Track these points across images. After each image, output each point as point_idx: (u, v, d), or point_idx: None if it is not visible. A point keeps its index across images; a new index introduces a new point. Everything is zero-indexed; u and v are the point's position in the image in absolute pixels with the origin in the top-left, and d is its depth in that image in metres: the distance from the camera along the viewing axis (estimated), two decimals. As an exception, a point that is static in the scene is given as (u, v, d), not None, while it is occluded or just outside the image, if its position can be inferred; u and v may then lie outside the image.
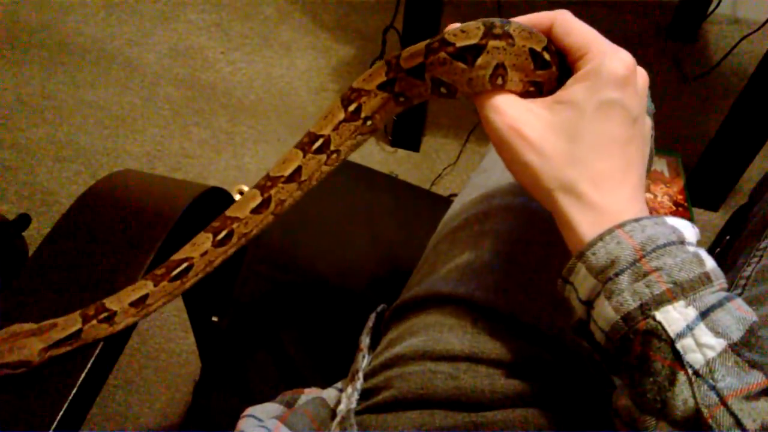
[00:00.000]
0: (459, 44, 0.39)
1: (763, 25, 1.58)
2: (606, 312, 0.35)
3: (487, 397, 0.46)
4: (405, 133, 1.49)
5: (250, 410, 0.53)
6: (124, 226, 0.58)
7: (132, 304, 0.44)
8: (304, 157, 0.45)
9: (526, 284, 0.51)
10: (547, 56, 0.40)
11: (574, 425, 0.44)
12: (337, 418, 0.50)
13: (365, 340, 0.56)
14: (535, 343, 0.48)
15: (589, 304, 0.37)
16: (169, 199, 0.60)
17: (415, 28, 1.28)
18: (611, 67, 0.38)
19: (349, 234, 0.72)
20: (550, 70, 0.41)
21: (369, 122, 0.45)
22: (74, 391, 0.46)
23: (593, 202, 0.38)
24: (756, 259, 0.63)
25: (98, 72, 1.61)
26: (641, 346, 0.34)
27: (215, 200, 0.66)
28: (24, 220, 1.09)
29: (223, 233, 0.45)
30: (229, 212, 0.46)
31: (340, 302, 0.67)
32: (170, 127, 1.50)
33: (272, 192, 0.45)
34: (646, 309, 0.34)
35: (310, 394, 0.57)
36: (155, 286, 0.44)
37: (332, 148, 0.45)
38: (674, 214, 1.36)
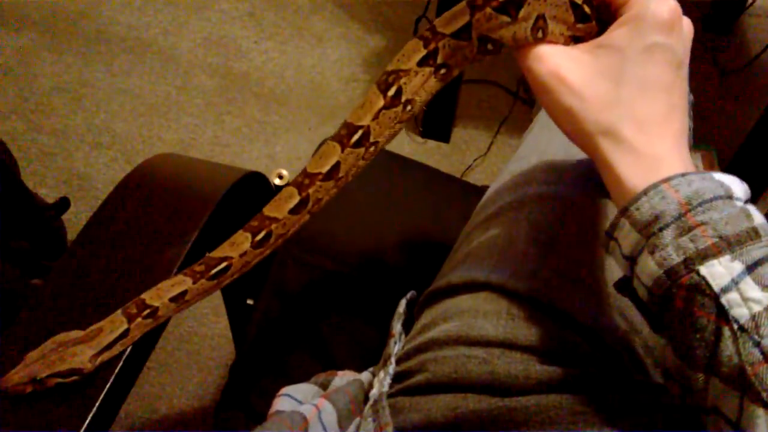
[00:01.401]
0: None
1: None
2: (649, 267, 0.35)
3: (520, 383, 0.46)
4: (435, 124, 1.49)
5: (285, 390, 0.55)
6: (166, 209, 0.59)
7: (172, 300, 0.45)
8: (342, 151, 0.43)
9: (561, 272, 0.51)
10: (587, 9, 0.40)
11: (607, 411, 0.44)
12: (370, 402, 0.51)
13: (397, 326, 0.57)
14: (569, 331, 0.48)
15: (632, 259, 0.37)
16: (210, 183, 0.61)
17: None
18: (657, 11, 0.38)
19: (382, 220, 0.73)
20: (590, 24, 0.41)
21: (409, 107, 0.44)
22: (113, 377, 0.46)
23: (636, 147, 0.37)
24: None
25: (134, 60, 1.64)
26: (684, 302, 0.34)
27: (254, 185, 0.67)
28: (64, 203, 1.12)
29: (262, 234, 0.44)
30: (267, 211, 0.45)
31: (372, 287, 0.68)
32: (204, 116, 1.52)
33: (310, 191, 0.44)
34: (689, 263, 0.33)
35: (344, 377, 0.58)
36: (194, 283, 0.45)
37: (371, 139, 0.44)
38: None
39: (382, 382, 0.53)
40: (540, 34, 0.40)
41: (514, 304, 0.50)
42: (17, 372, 0.41)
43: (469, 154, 1.47)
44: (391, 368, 0.53)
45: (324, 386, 0.57)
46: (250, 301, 0.72)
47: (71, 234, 1.22)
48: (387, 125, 0.44)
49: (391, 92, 0.42)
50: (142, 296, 0.44)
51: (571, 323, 0.48)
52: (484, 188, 0.81)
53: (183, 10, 1.77)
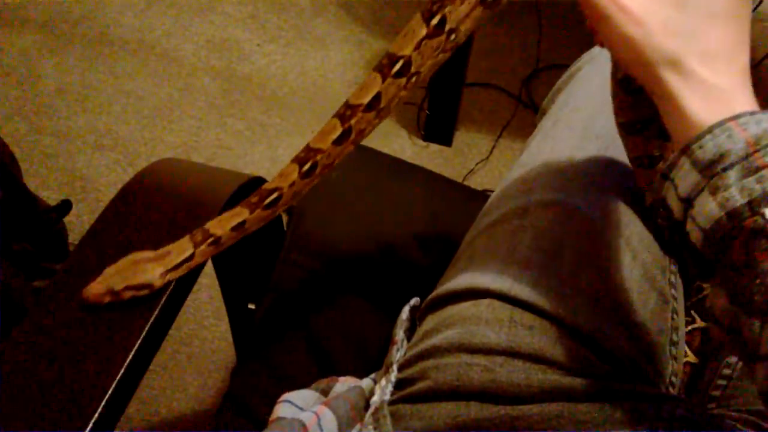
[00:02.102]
0: None
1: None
2: (709, 208, 0.33)
3: (523, 391, 0.46)
4: (437, 128, 1.49)
5: (286, 396, 0.55)
6: (168, 216, 0.59)
7: (233, 229, 0.48)
8: (383, 82, 0.43)
9: (565, 281, 0.51)
10: None
11: (610, 421, 0.44)
12: (371, 409, 0.51)
13: (399, 333, 0.57)
14: (572, 340, 0.48)
15: (688, 201, 0.35)
16: (212, 189, 0.61)
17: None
18: None
19: (383, 225, 0.73)
20: None
21: (453, 36, 0.42)
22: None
23: (701, 79, 0.36)
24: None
25: (137, 63, 1.64)
26: (745, 246, 0.32)
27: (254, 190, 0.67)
28: (65, 206, 1.12)
29: (308, 165, 0.46)
30: (312, 143, 0.46)
31: (374, 292, 0.68)
32: (206, 118, 1.52)
33: (352, 122, 0.45)
34: (755, 206, 0.32)
35: (345, 383, 0.58)
36: (251, 213, 0.47)
37: (413, 69, 0.43)
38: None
39: (383, 389, 0.52)
40: None
41: (516, 312, 0.50)
42: (97, 283, 0.45)
43: (471, 158, 1.47)
44: (393, 375, 0.53)
45: (325, 393, 0.56)
46: (251, 306, 0.72)
47: (73, 236, 1.22)
48: (429, 55, 0.43)
49: (435, 21, 0.42)
50: (206, 226, 0.48)
51: (573, 332, 0.48)
52: (486, 193, 0.81)
53: (186, 12, 1.77)
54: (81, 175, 1.41)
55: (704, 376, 0.64)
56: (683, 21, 0.36)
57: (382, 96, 0.44)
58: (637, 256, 0.53)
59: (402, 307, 0.59)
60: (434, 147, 1.50)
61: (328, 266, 0.68)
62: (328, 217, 0.72)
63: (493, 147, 1.48)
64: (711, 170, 0.33)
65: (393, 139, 1.51)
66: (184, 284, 0.52)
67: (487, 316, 0.50)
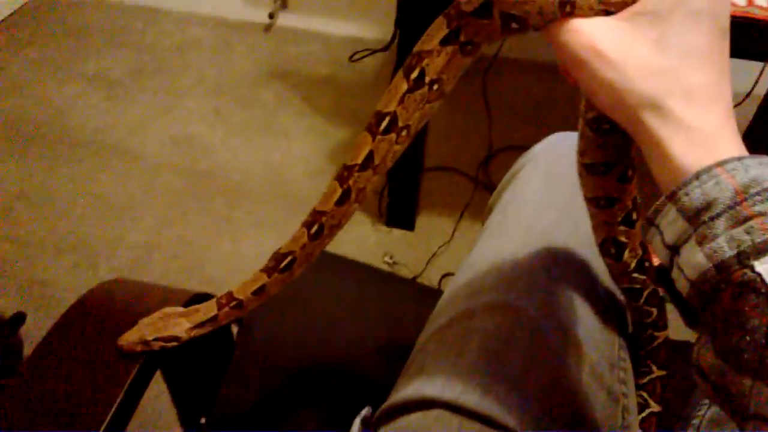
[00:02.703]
0: None
1: (748, 95, 1.62)
2: (696, 259, 0.32)
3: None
4: (399, 213, 1.51)
5: None
6: (111, 339, 0.59)
7: (254, 293, 0.51)
8: (373, 140, 0.44)
9: (512, 386, 0.50)
10: None
11: None
12: None
13: None
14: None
15: (675, 249, 0.34)
16: (155, 308, 0.60)
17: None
18: None
19: (336, 332, 0.72)
20: None
21: (435, 86, 0.43)
22: None
23: (685, 122, 0.34)
24: (705, 407, 0.63)
25: (99, 163, 1.65)
26: (733, 300, 0.31)
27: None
28: (18, 319, 1.09)
29: (315, 227, 0.48)
30: (317, 206, 0.48)
31: (327, 400, 0.66)
32: (169, 216, 1.52)
33: (350, 183, 0.46)
34: (743, 258, 0.30)
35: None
36: (269, 277, 0.50)
37: (401, 124, 0.44)
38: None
39: None
40: (568, 8, 0.37)
41: (465, 422, 0.49)
42: (132, 333, 0.50)
43: (434, 241, 1.48)
44: None
45: None
46: (203, 420, 0.69)
47: (30, 347, 1.19)
48: (415, 108, 0.44)
49: (414, 75, 0.42)
50: (232, 290, 0.52)
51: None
52: (441, 290, 0.81)
53: (149, 110, 1.80)
54: (40, 280, 1.38)
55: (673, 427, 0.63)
56: (662, 61, 0.35)
57: (375, 154, 0.45)
58: (585, 356, 0.53)
59: (355, 414, 0.58)
60: (397, 232, 1.51)
61: (280, 379, 0.66)
62: (279, 327, 0.71)
63: (455, 230, 1.50)
64: (698, 219, 0.32)
65: (356, 227, 1.52)
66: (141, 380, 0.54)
67: (437, 428, 0.49)
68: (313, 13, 2.08)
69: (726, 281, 0.31)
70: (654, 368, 0.62)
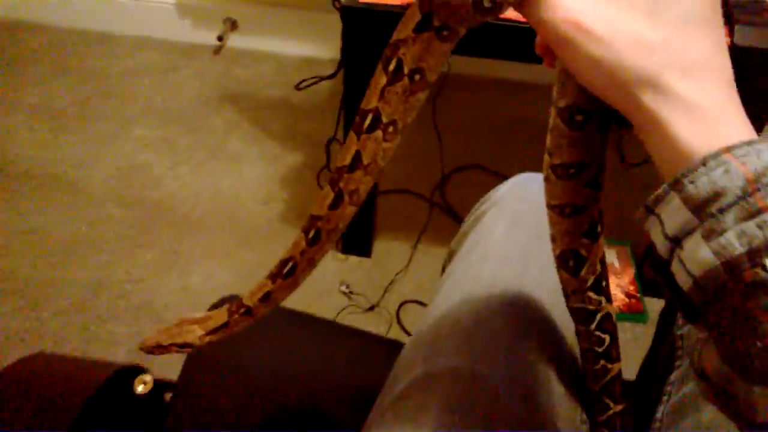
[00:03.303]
0: None
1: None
2: (701, 255, 0.29)
3: None
4: (355, 239, 1.48)
5: None
6: (30, 417, 0.56)
7: (260, 300, 0.50)
8: (358, 139, 0.42)
9: None
10: None
11: None
12: None
13: None
14: None
15: (677, 241, 0.31)
16: (75, 390, 0.57)
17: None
18: None
19: (288, 392, 0.69)
20: None
21: (417, 76, 0.40)
22: None
23: (685, 97, 0.31)
24: (666, 398, 0.61)
25: (42, 197, 1.59)
26: (743, 301, 0.28)
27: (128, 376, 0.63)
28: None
29: (312, 232, 0.46)
30: (313, 211, 0.46)
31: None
32: (115, 251, 1.47)
33: (341, 185, 0.44)
34: (755, 256, 0.28)
35: None
36: (273, 284, 0.49)
37: (385, 120, 0.42)
38: (626, 306, 1.35)
39: None
40: None
41: None
42: (152, 337, 0.52)
43: (392, 268, 1.46)
44: None
45: None
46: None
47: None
48: (398, 101, 0.41)
49: (392, 66, 0.40)
50: (243, 297, 0.51)
51: None
52: (399, 344, 0.78)
53: (94, 141, 1.75)
54: (-22, 326, 1.32)
55: None
56: (655, 33, 0.32)
57: (362, 154, 0.43)
58: (549, 422, 0.51)
59: None
60: (353, 259, 1.48)
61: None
62: (218, 391, 0.68)
63: (412, 255, 1.48)
64: (705, 210, 0.29)
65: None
66: None
67: None
68: (263, 34, 2.05)
69: (735, 281, 0.28)
70: (611, 404, 0.60)
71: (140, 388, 0.60)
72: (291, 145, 1.76)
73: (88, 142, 1.74)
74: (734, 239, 0.28)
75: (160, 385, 0.68)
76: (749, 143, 0.29)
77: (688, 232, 0.30)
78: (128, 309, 1.36)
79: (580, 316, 0.54)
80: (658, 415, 0.60)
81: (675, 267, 0.32)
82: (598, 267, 0.51)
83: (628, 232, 1.50)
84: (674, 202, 0.31)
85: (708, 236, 0.29)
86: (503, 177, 1.67)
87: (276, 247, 1.49)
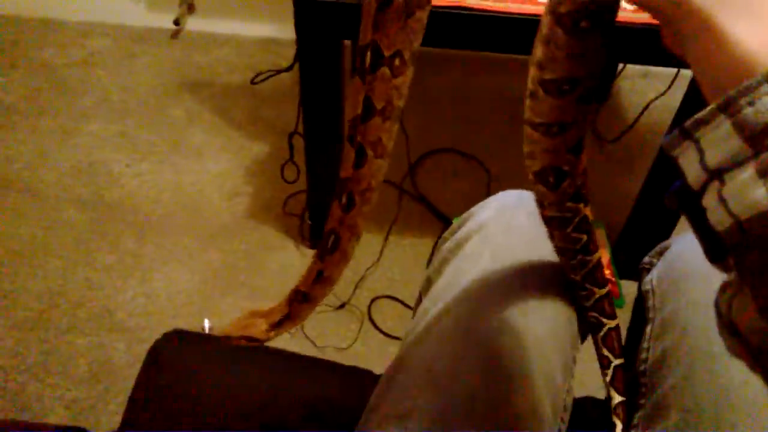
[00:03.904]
0: None
1: (674, 81, 1.58)
2: (754, 195, 0.24)
3: None
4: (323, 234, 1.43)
5: None
6: None
7: (314, 282, 0.48)
8: (364, 82, 0.38)
9: None
10: None
11: None
12: None
13: None
14: None
15: (718, 174, 0.26)
16: None
17: (316, 134, 1.23)
18: None
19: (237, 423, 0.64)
20: None
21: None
22: None
23: None
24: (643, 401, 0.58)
25: (-6, 202, 1.51)
26: None
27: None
28: None
29: (344, 197, 0.43)
30: (341, 173, 0.43)
31: None
32: (73, 257, 1.41)
33: (358, 138, 0.40)
34: None
35: None
36: (322, 261, 0.48)
37: (387, 53, 0.37)
38: (605, 293, 1.31)
39: None
40: None
41: None
42: (226, 328, 0.51)
43: (362, 262, 1.41)
44: None
45: None
46: None
47: None
48: (396, 28, 0.36)
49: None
50: (298, 285, 0.49)
51: None
52: (372, 375, 0.73)
53: (49, 138, 1.66)
54: (-71, 345, 1.26)
55: None
56: None
57: (373, 97, 0.39)
58: None
59: None
60: (322, 254, 1.43)
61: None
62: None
63: (383, 247, 1.43)
64: (763, 141, 0.24)
65: (278, 252, 1.43)
66: None
67: None
68: (222, 16, 1.95)
69: None
70: (595, 289, 0.57)
71: None
72: (254, 134, 1.69)
73: (40, 141, 1.66)
74: None
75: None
76: None
77: (737, 165, 0.25)
78: (88, 318, 1.31)
79: (556, 224, 0.51)
80: (635, 420, 0.57)
81: (709, 202, 0.27)
82: (580, 179, 0.47)
83: (604, 213, 1.46)
84: (723, 127, 0.25)
85: (765, 172, 0.24)
86: (473, 158, 1.62)
87: (242, 244, 1.44)
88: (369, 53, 0.37)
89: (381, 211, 1.49)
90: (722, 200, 0.26)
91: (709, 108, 0.26)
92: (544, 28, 0.38)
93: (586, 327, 0.61)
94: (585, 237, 0.52)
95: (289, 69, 1.22)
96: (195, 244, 1.44)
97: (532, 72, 0.40)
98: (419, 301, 0.67)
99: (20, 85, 1.79)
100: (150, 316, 1.30)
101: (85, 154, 1.63)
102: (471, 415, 0.50)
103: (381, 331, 1.30)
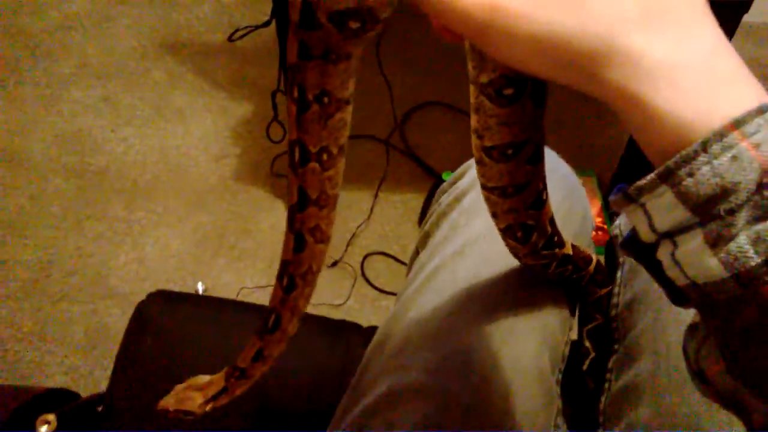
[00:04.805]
0: None
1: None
2: (705, 263, 0.24)
3: None
4: (313, 193, 1.42)
5: None
6: None
7: (253, 360, 0.47)
8: (296, 176, 0.39)
9: None
10: None
11: None
12: None
13: None
14: None
15: (669, 235, 0.25)
16: None
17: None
18: None
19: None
20: None
21: (325, 99, 0.35)
22: None
23: (656, 57, 0.24)
24: (607, 385, 0.59)
25: (-21, 174, 1.50)
26: (761, 316, 0.23)
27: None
28: None
29: (286, 279, 0.43)
30: (282, 256, 0.44)
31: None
32: (63, 226, 1.40)
33: (297, 225, 0.41)
34: None
35: None
36: (260, 340, 0.47)
37: (313, 150, 0.37)
38: (594, 239, 1.32)
39: None
40: None
41: None
42: (165, 400, 0.50)
43: (353, 220, 1.41)
44: None
45: None
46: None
47: None
48: (318, 128, 0.37)
49: (296, 93, 0.35)
50: (237, 361, 0.49)
51: None
52: (360, 328, 0.74)
53: (30, 106, 1.63)
54: (-76, 319, 1.26)
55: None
56: None
57: (306, 189, 0.39)
58: None
59: None
60: (312, 213, 1.43)
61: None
62: (147, 399, 0.64)
63: (373, 204, 1.42)
64: (708, 210, 0.23)
65: (269, 212, 1.43)
66: None
67: None
68: (200, -28, 1.90)
69: (750, 295, 0.23)
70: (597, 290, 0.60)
71: (43, 429, 0.56)
72: (238, 95, 1.66)
73: (22, 109, 1.63)
74: (749, 246, 0.23)
75: (88, 403, 0.64)
76: (760, 112, 0.23)
77: (686, 230, 0.25)
78: (82, 286, 1.31)
79: (539, 268, 0.52)
80: (601, 406, 0.57)
81: (665, 259, 0.26)
82: (548, 228, 0.47)
83: (594, 161, 1.45)
84: (666, 196, 0.24)
85: (714, 243, 0.23)
86: (461, 111, 1.60)
87: (231, 206, 1.43)
88: (297, 149, 0.37)
89: (370, 168, 1.48)
90: (676, 262, 0.25)
91: (649, 177, 0.25)
92: (472, 97, 0.38)
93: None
94: (571, 267, 0.53)
95: (266, 24, 1.19)
96: (184, 208, 1.43)
97: (474, 140, 0.41)
98: (415, 255, 0.67)
99: (-3, 53, 1.75)
100: (143, 281, 1.30)
101: (68, 122, 1.60)
102: (468, 368, 0.51)
103: (374, 287, 1.31)
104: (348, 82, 0.35)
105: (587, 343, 0.64)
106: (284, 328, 0.47)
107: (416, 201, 1.43)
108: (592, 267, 0.57)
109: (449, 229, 0.62)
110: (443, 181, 0.72)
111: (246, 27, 1.69)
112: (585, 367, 0.63)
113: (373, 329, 0.72)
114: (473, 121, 0.40)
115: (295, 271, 0.43)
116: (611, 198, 0.28)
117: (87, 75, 1.71)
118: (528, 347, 0.53)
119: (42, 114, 1.62)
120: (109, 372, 1.19)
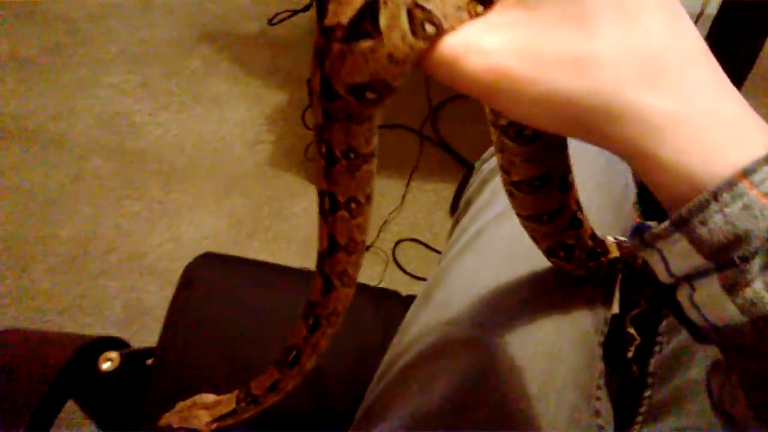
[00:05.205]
0: (345, 20, 0.28)
1: (699, 15, 1.55)
2: (723, 308, 0.25)
3: None
4: (346, 179, 1.44)
5: None
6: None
7: (269, 389, 0.48)
8: (326, 223, 0.40)
9: None
10: None
11: None
12: None
13: None
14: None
15: (687, 279, 0.26)
16: (42, 366, 0.55)
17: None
18: None
19: (266, 344, 0.67)
20: None
21: (351, 155, 0.36)
22: None
23: (661, 112, 0.24)
24: (658, 348, 0.59)
25: (21, 153, 1.54)
26: None
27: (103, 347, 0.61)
28: None
29: (311, 319, 0.45)
30: (309, 297, 0.45)
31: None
32: (101, 204, 1.44)
33: (326, 270, 0.42)
34: None
35: None
36: (279, 372, 0.47)
37: (342, 199, 0.39)
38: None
39: None
40: (430, 29, 0.27)
41: None
42: (166, 417, 0.50)
43: (385, 207, 1.42)
44: None
45: None
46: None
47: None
48: (347, 179, 0.38)
49: (324, 150, 0.36)
50: (251, 384, 0.49)
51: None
52: (400, 296, 0.75)
53: (70, 90, 1.68)
54: (-32, 289, 1.30)
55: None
56: (590, 42, 0.24)
57: (336, 236, 0.40)
58: (563, 397, 0.49)
59: None
60: (345, 199, 1.45)
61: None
62: (198, 348, 0.66)
63: (405, 192, 1.44)
64: (723, 258, 0.24)
65: (302, 197, 1.45)
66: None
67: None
68: (237, -36, 1.93)
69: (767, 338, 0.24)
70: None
71: (105, 366, 0.58)
72: (273, 83, 1.69)
73: (62, 93, 1.67)
74: (764, 292, 0.23)
75: (141, 353, 0.66)
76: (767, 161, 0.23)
77: (703, 275, 0.25)
78: (119, 263, 1.34)
79: (590, 275, 0.53)
80: (651, 368, 0.58)
81: (683, 300, 0.27)
82: (590, 242, 0.49)
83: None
84: (681, 244, 0.25)
85: (731, 289, 0.24)
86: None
87: (266, 190, 1.46)
88: (327, 198, 0.39)
89: (402, 157, 1.50)
90: (695, 305, 0.26)
91: (663, 225, 0.26)
92: (493, 137, 0.39)
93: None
94: (620, 266, 0.53)
95: (306, 9, 1.21)
96: (219, 191, 1.46)
97: (502, 176, 0.42)
98: (455, 224, 0.68)
99: (38, 39, 1.80)
100: (179, 260, 1.33)
101: (107, 105, 1.64)
102: (513, 323, 0.52)
103: (405, 272, 1.32)
104: (371, 139, 0.37)
105: (631, 330, 0.64)
106: (303, 364, 0.48)
107: (448, 190, 1.44)
108: (640, 259, 0.58)
109: (491, 194, 0.64)
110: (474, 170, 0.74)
111: (286, 10, 1.72)
112: (630, 354, 0.64)
113: (412, 297, 0.74)
114: (498, 158, 0.41)
115: (322, 313, 0.45)
116: (631, 242, 0.29)
117: (125, 61, 1.75)
118: (571, 305, 0.54)
119: (81, 98, 1.66)
120: (145, 345, 1.22)
